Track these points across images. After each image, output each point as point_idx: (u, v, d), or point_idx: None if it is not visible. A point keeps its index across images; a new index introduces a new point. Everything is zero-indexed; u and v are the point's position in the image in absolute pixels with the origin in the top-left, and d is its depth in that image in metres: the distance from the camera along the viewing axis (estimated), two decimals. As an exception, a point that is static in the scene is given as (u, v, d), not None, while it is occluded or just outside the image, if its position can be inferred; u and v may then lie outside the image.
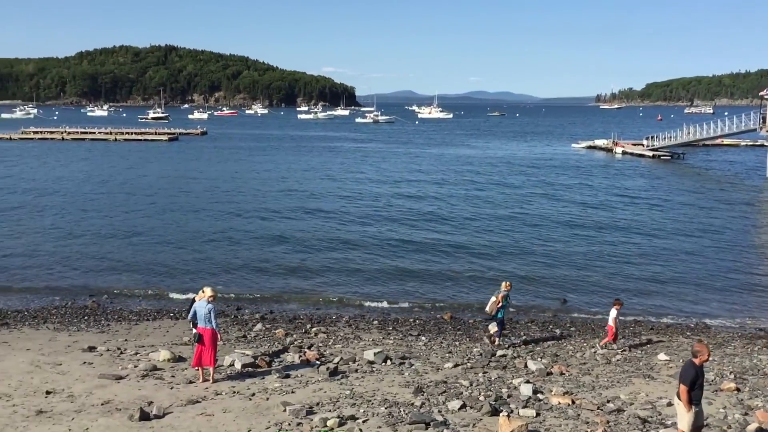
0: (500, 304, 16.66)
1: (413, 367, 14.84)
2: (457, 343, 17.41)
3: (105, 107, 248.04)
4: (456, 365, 14.97)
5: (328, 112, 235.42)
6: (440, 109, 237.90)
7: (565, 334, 18.36)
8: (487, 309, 16.89)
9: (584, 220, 36.00)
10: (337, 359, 15.12)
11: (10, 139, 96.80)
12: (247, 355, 15.12)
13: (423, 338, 17.75)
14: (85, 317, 19.40)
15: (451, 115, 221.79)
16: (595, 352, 16.46)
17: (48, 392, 12.43)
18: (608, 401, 12.44)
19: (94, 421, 10.91)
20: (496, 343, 16.98)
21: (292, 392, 12.71)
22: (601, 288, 23.31)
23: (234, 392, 12.69)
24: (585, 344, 17.32)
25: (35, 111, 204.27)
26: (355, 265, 26.12)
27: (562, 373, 14.55)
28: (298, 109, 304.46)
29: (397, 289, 23.12)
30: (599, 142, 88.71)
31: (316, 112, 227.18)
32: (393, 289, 23.02)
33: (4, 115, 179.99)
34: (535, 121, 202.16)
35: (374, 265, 26.08)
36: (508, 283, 17.17)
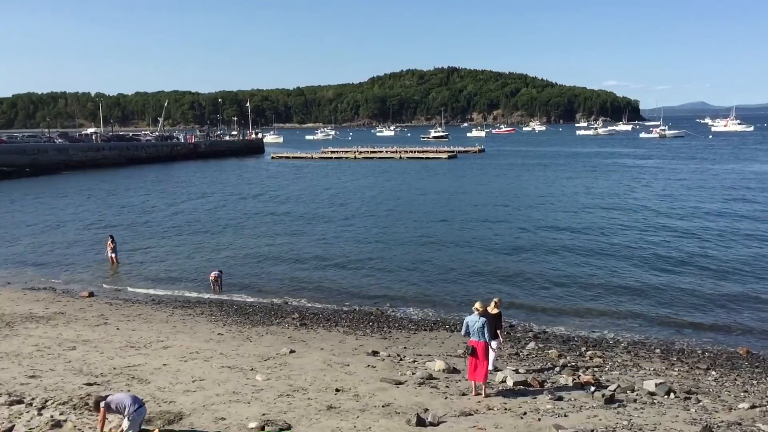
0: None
1: (701, 403, 13.56)
2: (754, 381, 15.54)
3: (392, 127, 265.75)
4: (753, 406, 13.36)
5: (609, 128, 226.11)
6: (738, 121, 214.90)
7: None
8: None
9: None
10: (613, 386, 14.39)
11: (312, 158, 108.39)
12: (519, 372, 15.07)
13: (713, 373, 16.13)
14: (370, 323, 20.90)
15: (751, 128, 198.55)
16: None
17: (337, 390, 13.59)
18: None
19: (376, 421, 11.68)
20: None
21: (565, 416, 12.38)
22: None
23: (506, 409, 12.72)
24: None
25: (333, 132, 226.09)
26: (636, 283, 24.69)
27: None
28: (576, 125, 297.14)
29: (683, 315, 21.34)
30: None
31: (595, 128, 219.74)
32: (679, 316, 21.28)
33: (308, 137, 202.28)
34: None
35: (658, 286, 24.37)
36: None
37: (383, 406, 12.58)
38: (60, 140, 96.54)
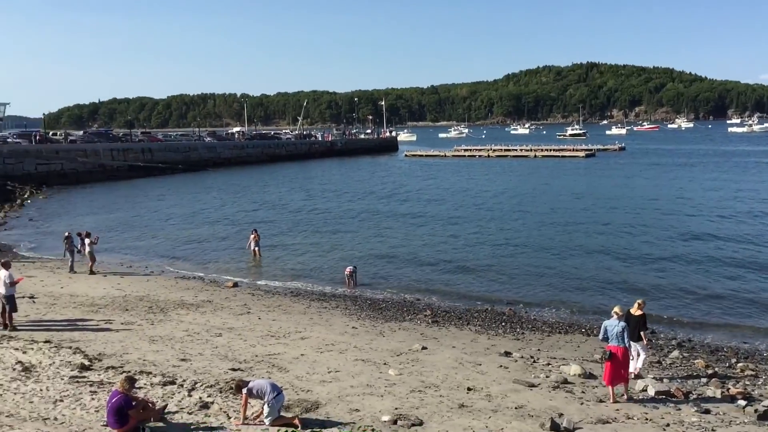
0: None
1: None
2: None
3: (527, 125, 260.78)
4: None
5: (765, 125, 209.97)
6: None
7: None
8: None
9: None
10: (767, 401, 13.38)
11: (445, 156, 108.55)
12: (662, 381, 14.35)
13: None
14: (502, 323, 20.65)
15: None
16: None
17: (469, 389, 13.54)
18: None
19: (509, 423, 11.54)
20: None
21: (713, 430, 11.65)
22: None
23: (646, 419, 12.16)
24: None
25: (467, 131, 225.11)
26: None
27: None
28: (728, 121, 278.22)
29: None
30: None
31: (750, 125, 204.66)
32: None
33: (441, 135, 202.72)
34: None
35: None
36: None
37: (516, 408, 12.40)
38: (209, 139, 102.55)
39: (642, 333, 14.77)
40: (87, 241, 27.12)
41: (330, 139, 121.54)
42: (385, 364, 15.28)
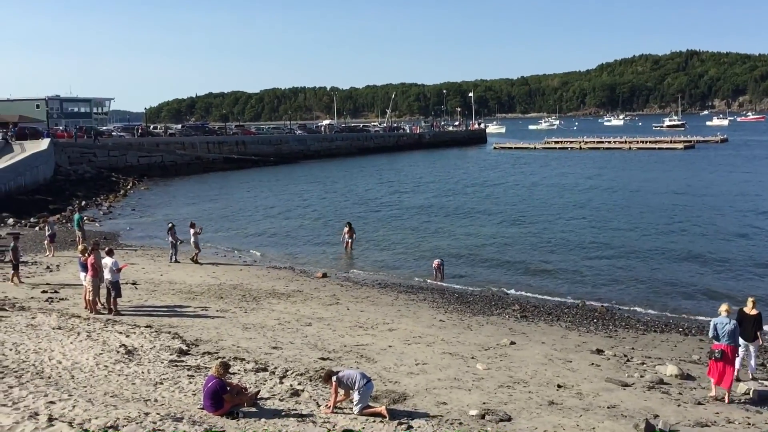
0: None
1: None
2: None
3: (621, 116, 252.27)
4: None
5: None
6: None
7: None
8: None
9: None
10: None
11: (535, 148, 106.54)
12: (766, 385, 13.63)
13: None
14: (594, 320, 20.12)
15: None
16: None
17: (559, 386, 13.27)
18: None
19: (600, 422, 11.24)
20: None
21: (822, 440, 10.98)
22: None
23: (749, 424, 11.58)
24: None
25: (558, 122, 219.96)
26: None
27: None
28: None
29: None
30: None
31: None
32: None
33: (531, 127, 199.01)
34: None
35: None
36: None
37: (608, 408, 12.07)
38: (299, 132, 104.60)
39: (758, 333, 14.10)
40: (192, 231, 27.82)
41: (418, 131, 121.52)
42: (472, 358, 15.19)
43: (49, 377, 11.70)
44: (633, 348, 17.01)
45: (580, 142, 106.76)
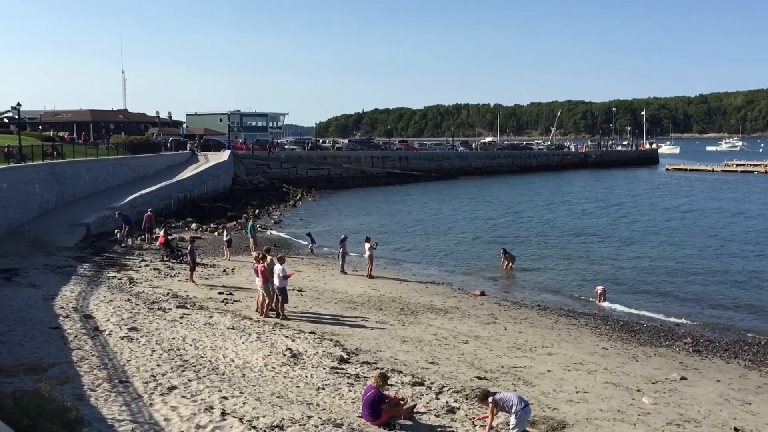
0: None
1: None
2: None
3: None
4: None
5: None
6: None
7: None
8: None
9: None
10: None
11: (713, 171, 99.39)
12: None
13: None
14: (779, 361, 18.35)
15: None
16: None
17: (736, 429, 12.26)
18: None
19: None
20: None
21: None
22: None
23: None
24: None
25: (741, 143, 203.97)
26: None
27: None
28: None
29: None
30: None
31: None
32: None
33: (710, 148, 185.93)
34: None
35: None
36: None
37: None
38: (461, 148, 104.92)
39: None
40: (367, 245, 27.91)
41: (584, 150, 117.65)
42: (638, 390, 14.40)
43: (223, 374, 12.53)
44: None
45: (765, 166, 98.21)
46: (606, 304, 24.51)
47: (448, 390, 13.16)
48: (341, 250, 28.45)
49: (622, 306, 24.47)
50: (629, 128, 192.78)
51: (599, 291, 25.04)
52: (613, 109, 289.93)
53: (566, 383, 14.49)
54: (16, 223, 29.81)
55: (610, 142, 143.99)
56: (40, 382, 9.76)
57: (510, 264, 30.73)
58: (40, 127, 77.99)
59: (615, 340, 19.65)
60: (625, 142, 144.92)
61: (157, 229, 31.92)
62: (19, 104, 42.28)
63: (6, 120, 78.45)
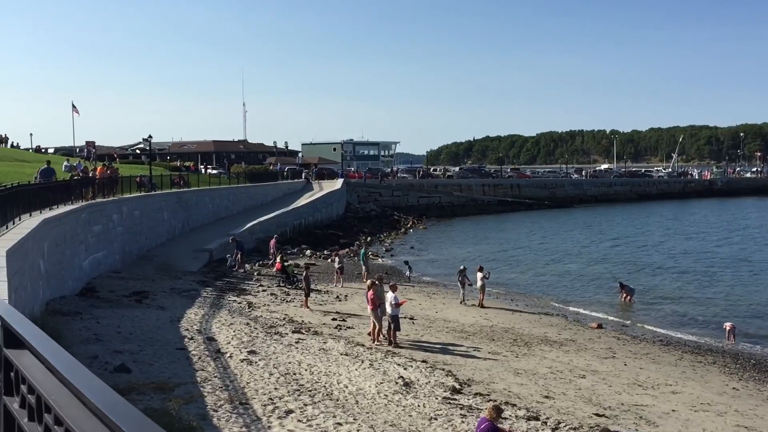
0: None
1: None
2: None
3: None
4: None
5: None
6: None
7: None
8: None
9: None
10: None
11: None
12: None
13: None
14: None
15: None
16: None
17: None
18: None
19: None
20: None
21: None
22: None
23: None
24: None
25: None
26: None
27: None
28: None
29: None
30: None
31: None
32: None
33: None
34: None
35: None
36: None
37: None
38: (576, 176, 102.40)
39: None
40: (480, 275, 27.55)
41: (708, 177, 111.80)
42: (774, 436, 13.38)
43: (337, 399, 12.70)
44: None
45: None
46: (735, 342, 23.02)
47: (564, 426, 12.73)
48: (460, 279, 28.07)
49: (753, 344, 22.90)
50: (759, 154, 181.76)
51: (728, 327, 23.54)
52: (741, 134, 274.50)
53: (693, 425, 13.68)
54: (147, 248, 31.72)
55: (738, 169, 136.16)
56: (168, 400, 10.27)
57: (629, 297, 29.50)
58: (168, 158, 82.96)
59: (746, 380, 18.39)
60: (755, 169, 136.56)
61: (272, 254, 33.05)
62: (150, 136, 45.20)
63: (138, 151, 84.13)
